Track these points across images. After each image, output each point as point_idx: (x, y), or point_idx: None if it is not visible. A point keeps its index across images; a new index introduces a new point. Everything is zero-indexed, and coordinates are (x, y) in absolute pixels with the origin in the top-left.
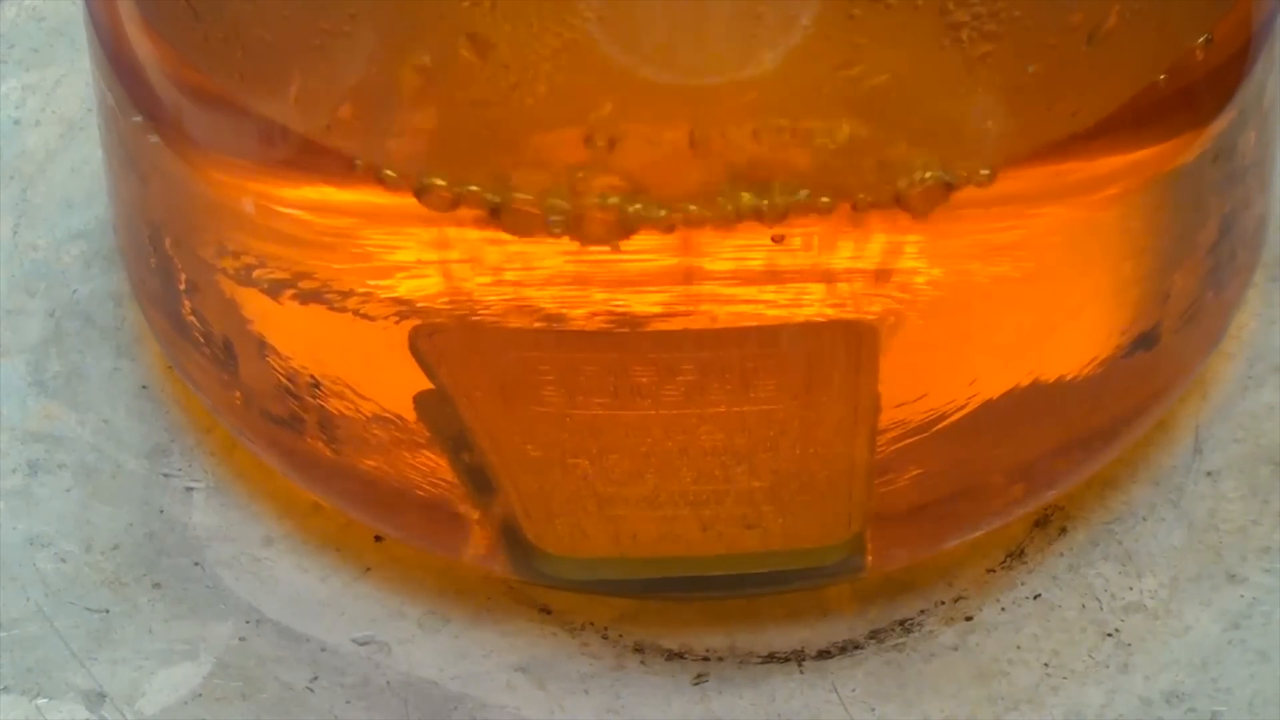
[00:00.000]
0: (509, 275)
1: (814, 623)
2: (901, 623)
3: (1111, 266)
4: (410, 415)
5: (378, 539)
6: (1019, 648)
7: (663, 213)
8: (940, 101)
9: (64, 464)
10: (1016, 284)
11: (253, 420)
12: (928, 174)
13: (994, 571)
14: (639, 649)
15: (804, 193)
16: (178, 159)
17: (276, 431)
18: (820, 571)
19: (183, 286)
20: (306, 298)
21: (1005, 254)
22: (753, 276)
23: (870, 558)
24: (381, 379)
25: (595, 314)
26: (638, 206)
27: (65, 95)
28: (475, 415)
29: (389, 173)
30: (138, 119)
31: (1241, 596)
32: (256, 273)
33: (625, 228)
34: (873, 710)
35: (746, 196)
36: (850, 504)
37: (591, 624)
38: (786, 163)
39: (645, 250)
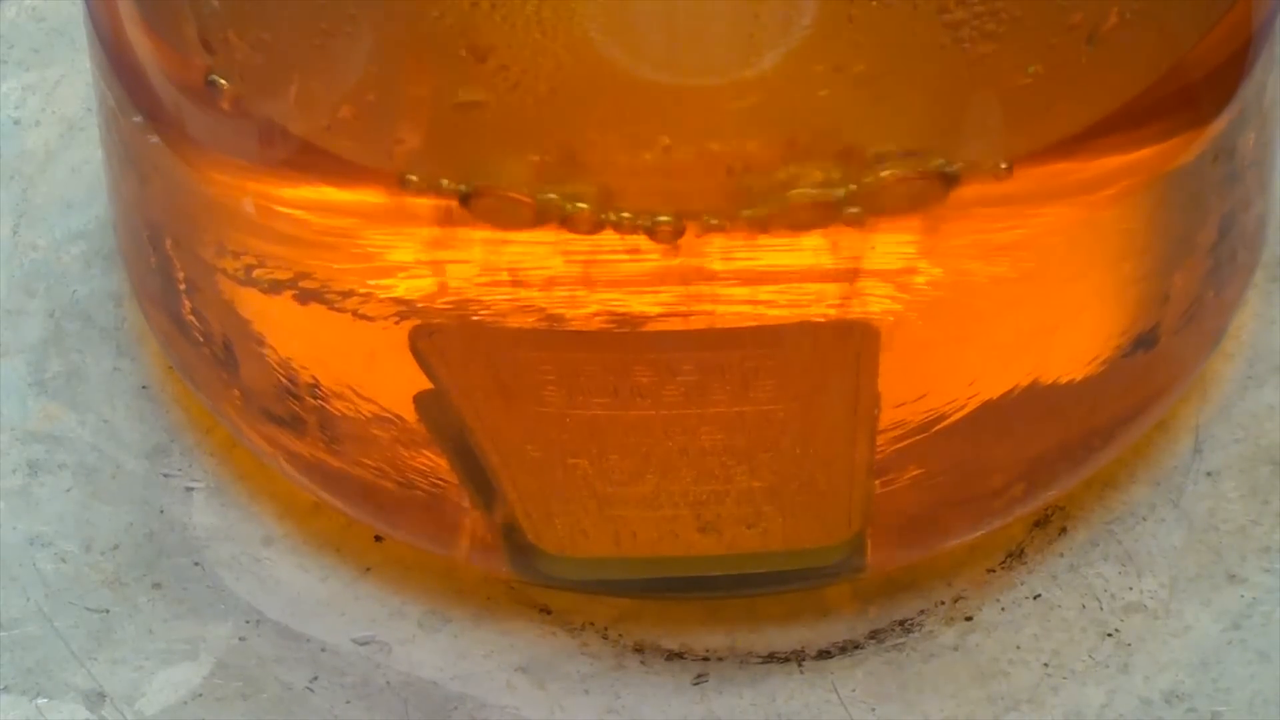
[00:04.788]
0: (509, 275)
1: (814, 623)
2: (901, 623)
3: (1111, 266)
4: (410, 415)
5: (378, 539)
6: (1019, 648)
7: (664, 218)
8: (940, 102)
9: (64, 464)
10: (1016, 284)
11: (253, 420)
12: (927, 175)
13: (994, 571)
14: (639, 649)
15: (803, 193)
16: (178, 159)
17: (276, 431)
18: (820, 571)
19: (183, 286)
20: (306, 298)
21: (1005, 254)
22: (753, 277)
23: (870, 558)
24: (381, 379)
25: (595, 314)
26: (636, 212)
27: (65, 95)
28: (475, 415)
29: (404, 174)
30: (138, 119)
31: (1241, 596)
32: (256, 273)
33: (624, 228)
34: (873, 710)
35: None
36: (850, 504)
37: (591, 624)
38: (785, 163)
39: (645, 250)
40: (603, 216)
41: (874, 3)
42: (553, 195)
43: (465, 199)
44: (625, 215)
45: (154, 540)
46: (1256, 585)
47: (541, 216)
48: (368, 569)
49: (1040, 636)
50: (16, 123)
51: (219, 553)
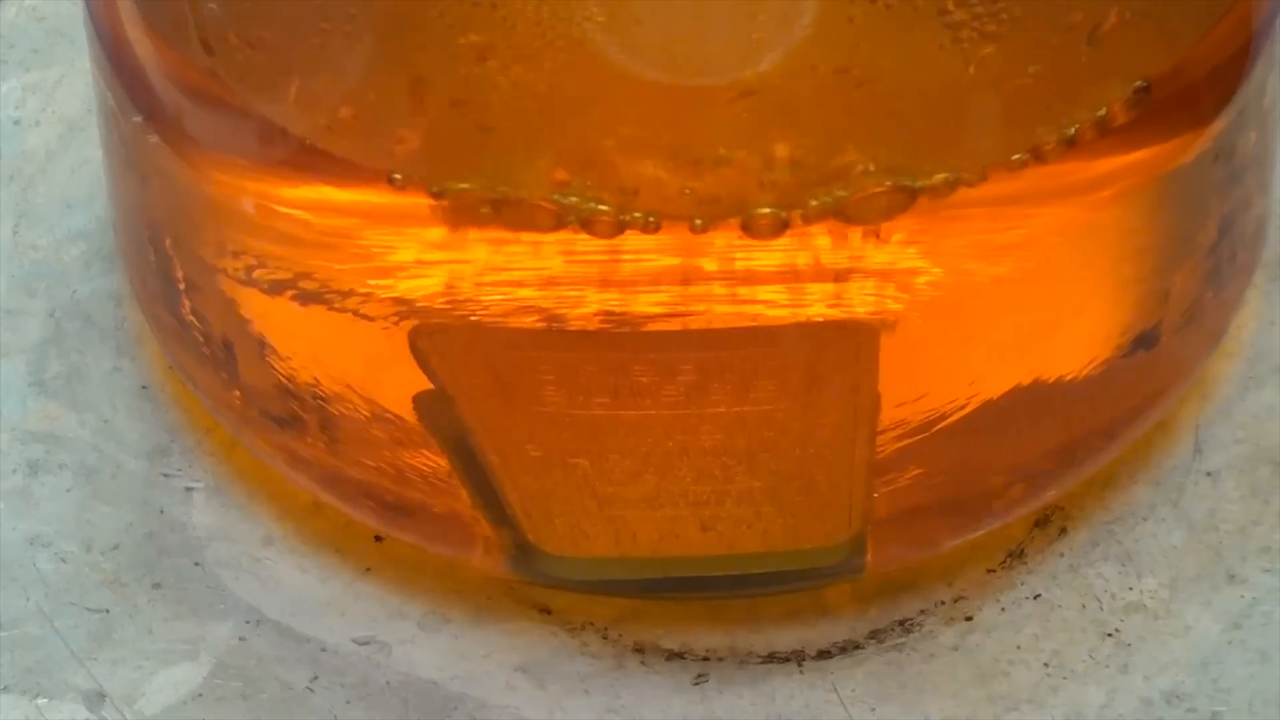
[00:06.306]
0: (509, 275)
1: (814, 623)
2: (901, 623)
3: (1111, 266)
4: (410, 415)
5: (378, 539)
6: (1019, 648)
7: (664, 218)
8: (940, 102)
9: (64, 464)
10: (1016, 284)
11: (253, 420)
12: (927, 174)
13: (994, 571)
14: (639, 649)
15: (804, 193)
16: (178, 159)
17: (276, 431)
18: (820, 571)
19: (183, 286)
20: (306, 298)
21: (1005, 254)
22: (753, 277)
23: (870, 558)
24: (381, 379)
25: (595, 314)
26: (635, 212)
27: (65, 95)
28: (475, 415)
29: (390, 173)
30: (138, 119)
31: (1241, 596)
32: (256, 273)
33: (624, 228)
34: (873, 710)
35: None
36: (850, 504)
37: (591, 624)
38: (785, 164)
39: (645, 250)
40: (602, 215)
41: (875, 4)
42: (552, 195)
43: (465, 199)
44: (628, 215)
45: (154, 540)
46: (1256, 585)
47: (541, 216)
48: (368, 569)
49: (1040, 636)
50: (16, 123)
51: (219, 553)
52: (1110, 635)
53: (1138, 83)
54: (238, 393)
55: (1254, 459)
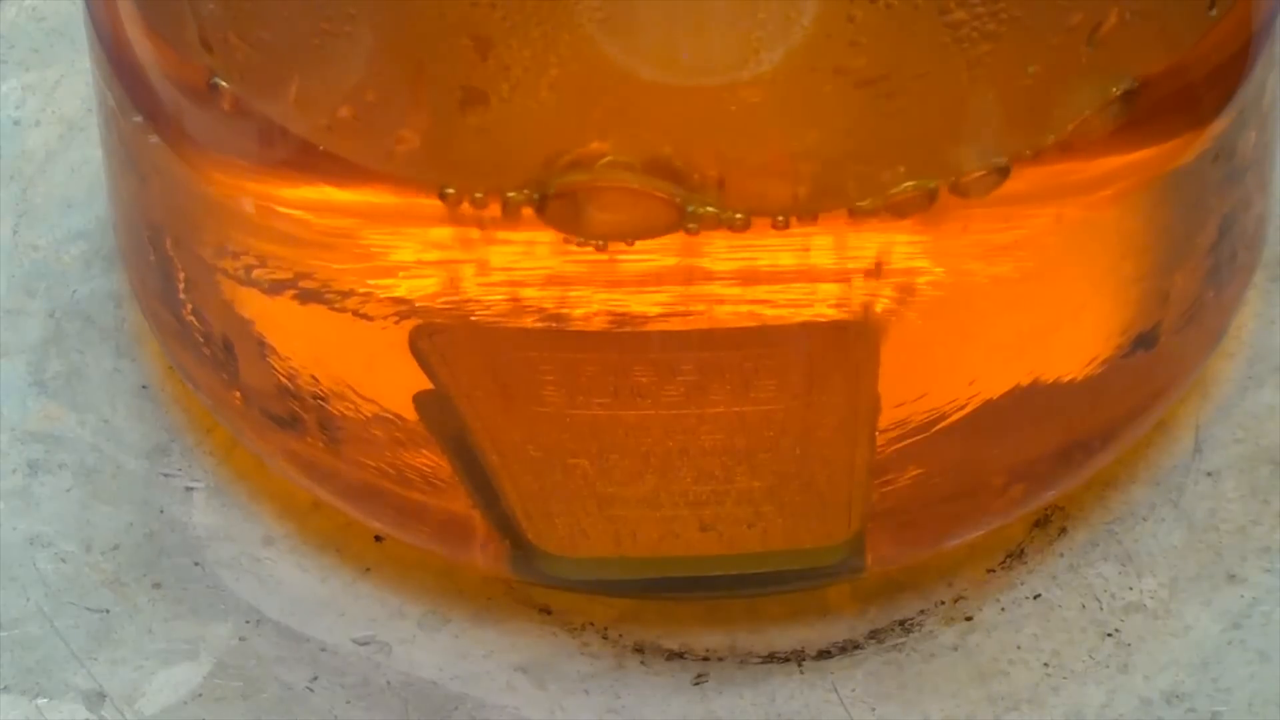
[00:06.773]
0: (509, 275)
1: (814, 623)
2: (901, 623)
3: (1111, 266)
4: (410, 415)
5: (378, 539)
6: (1019, 648)
7: (662, 202)
8: (940, 102)
9: (64, 464)
10: (1016, 284)
11: (253, 420)
12: (927, 174)
13: (994, 571)
14: (639, 649)
15: (802, 193)
16: (178, 159)
17: (276, 431)
18: (820, 571)
19: (183, 286)
20: (306, 298)
21: (1005, 254)
22: (753, 276)
23: (870, 558)
24: (381, 379)
25: (595, 314)
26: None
27: (65, 95)
28: (475, 415)
29: (388, 173)
30: (138, 119)
31: (1241, 596)
32: (256, 273)
33: (624, 228)
34: (873, 710)
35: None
36: (850, 504)
37: (591, 624)
38: (784, 164)
39: (645, 250)
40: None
41: (875, 3)
42: (553, 195)
43: (466, 199)
44: (624, 214)
45: (154, 540)
46: (1256, 585)
47: (541, 216)
48: (368, 569)
49: (1040, 636)
50: (16, 123)
51: (219, 553)
52: (1110, 635)
53: (1131, 81)
54: (238, 393)
55: (1254, 459)
